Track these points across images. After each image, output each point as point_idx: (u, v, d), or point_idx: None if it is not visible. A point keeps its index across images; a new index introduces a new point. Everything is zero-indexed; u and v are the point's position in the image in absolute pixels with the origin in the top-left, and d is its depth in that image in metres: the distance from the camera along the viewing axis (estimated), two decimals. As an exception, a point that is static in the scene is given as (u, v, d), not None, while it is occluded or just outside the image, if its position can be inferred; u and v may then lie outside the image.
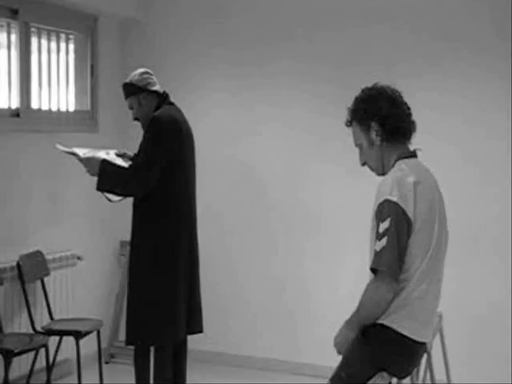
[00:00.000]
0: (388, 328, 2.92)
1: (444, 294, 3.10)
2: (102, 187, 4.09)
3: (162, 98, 4.21)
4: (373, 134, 3.05)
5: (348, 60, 5.27)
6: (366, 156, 3.11)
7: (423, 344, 3.04)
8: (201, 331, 4.32)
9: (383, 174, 3.07)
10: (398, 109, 3.05)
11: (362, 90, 3.13)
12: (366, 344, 2.96)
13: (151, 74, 4.25)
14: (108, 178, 4.06)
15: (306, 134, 5.46)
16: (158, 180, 4.02)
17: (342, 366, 3.00)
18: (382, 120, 3.02)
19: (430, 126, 4.62)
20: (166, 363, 4.14)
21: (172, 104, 4.26)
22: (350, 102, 3.12)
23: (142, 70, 4.25)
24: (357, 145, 3.13)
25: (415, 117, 3.10)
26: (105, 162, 4.08)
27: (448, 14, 5.02)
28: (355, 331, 2.98)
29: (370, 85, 3.12)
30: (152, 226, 4.10)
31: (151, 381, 4.22)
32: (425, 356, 3.38)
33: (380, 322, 2.93)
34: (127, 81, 4.21)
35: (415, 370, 3.34)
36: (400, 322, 2.92)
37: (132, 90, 4.18)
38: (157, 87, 4.22)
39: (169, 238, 4.09)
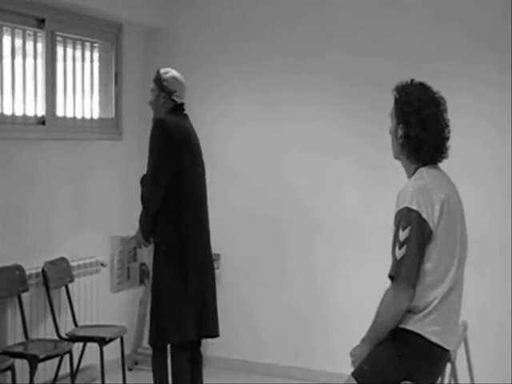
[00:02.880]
0: (415, 334, 2.92)
1: (469, 302, 3.09)
2: (147, 235, 4.25)
3: (177, 107, 4.28)
4: (399, 133, 3.03)
5: (378, 75, 5.24)
6: (392, 145, 3.09)
7: (448, 351, 3.03)
8: (216, 335, 4.33)
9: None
10: (429, 131, 2.98)
11: (414, 87, 3.04)
12: (394, 348, 2.95)
13: (182, 85, 4.29)
14: (142, 229, 4.26)
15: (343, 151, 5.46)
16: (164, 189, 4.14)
17: (367, 362, 2.99)
18: (408, 134, 3.00)
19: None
20: (182, 367, 4.18)
21: (185, 115, 4.32)
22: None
23: (179, 75, 4.31)
24: (390, 132, 3.11)
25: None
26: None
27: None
28: (371, 344, 2.98)
29: (425, 84, 3.06)
30: (165, 230, 4.18)
31: None
32: (449, 366, 3.36)
33: (408, 328, 2.92)
34: (163, 71, 4.29)
35: (439, 380, 3.31)
36: (428, 328, 2.91)
37: (158, 81, 4.26)
38: (178, 98, 4.26)
39: (177, 242, 4.16)
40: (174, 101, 4.25)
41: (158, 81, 4.26)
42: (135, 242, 4.33)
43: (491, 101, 4.99)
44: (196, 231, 4.22)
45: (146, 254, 4.27)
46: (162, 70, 4.30)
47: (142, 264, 4.31)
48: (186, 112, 4.33)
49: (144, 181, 4.21)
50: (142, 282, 4.32)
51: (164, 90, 4.24)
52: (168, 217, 4.15)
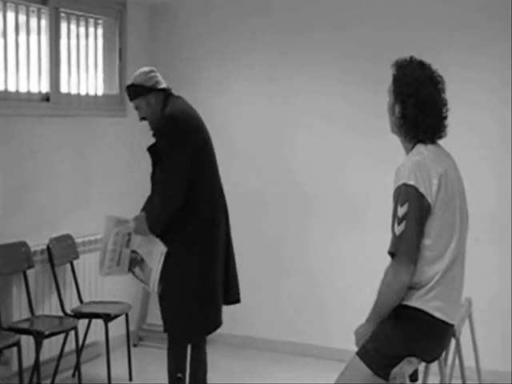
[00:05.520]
0: (418, 310, 2.93)
1: (473, 279, 3.09)
2: (156, 232, 3.94)
3: (167, 93, 4.04)
4: (396, 111, 3.02)
5: (384, 52, 5.18)
6: (390, 120, 3.08)
7: (452, 326, 3.04)
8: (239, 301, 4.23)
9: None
10: (427, 112, 2.97)
11: (413, 67, 3.01)
12: (397, 325, 2.96)
13: (156, 72, 4.05)
14: (154, 220, 3.94)
15: (345, 126, 5.43)
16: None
17: (371, 340, 3.00)
18: (405, 115, 2.99)
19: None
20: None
21: (179, 97, 4.09)
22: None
23: (146, 68, 4.04)
24: (388, 108, 3.09)
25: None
26: (144, 211, 4.02)
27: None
28: (375, 323, 2.99)
29: (424, 63, 3.02)
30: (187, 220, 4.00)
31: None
32: (453, 341, 3.37)
33: (410, 304, 2.93)
34: (133, 82, 3.99)
35: (443, 355, 3.32)
36: (431, 304, 2.92)
37: (140, 91, 3.96)
38: (164, 85, 4.02)
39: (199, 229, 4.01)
40: (160, 90, 3.99)
41: (139, 91, 3.96)
42: (134, 228, 4.00)
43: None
44: (218, 218, 4.06)
45: (140, 242, 4.01)
46: (132, 81, 4.01)
47: (133, 251, 4.10)
48: (177, 93, 4.13)
49: (155, 179, 4.01)
50: (129, 269, 4.12)
51: (150, 90, 3.95)
52: (187, 208, 3.96)
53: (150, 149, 4.02)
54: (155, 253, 3.95)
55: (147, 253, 4.00)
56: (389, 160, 4.96)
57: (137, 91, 3.98)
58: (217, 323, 4.09)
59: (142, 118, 4.08)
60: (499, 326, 4.97)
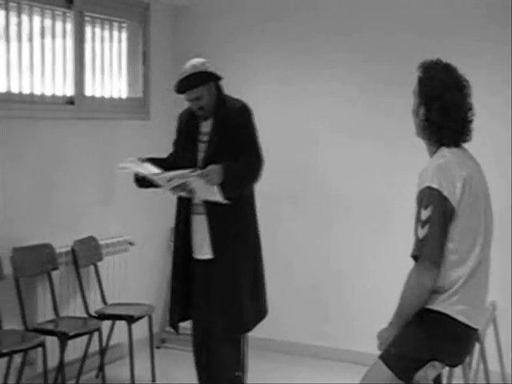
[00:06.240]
0: (442, 314, 2.91)
1: (498, 282, 3.07)
2: (229, 192, 3.85)
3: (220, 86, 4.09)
4: (420, 113, 3.01)
5: (403, 54, 5.20)
6: (414, 122, 3.07)
7: (476, 330, 3.02)
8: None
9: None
10: (451, 116, 2.96)
11: (439, 70, 3.00)
12: (421, 329, 2.94)
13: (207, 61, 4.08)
14: (234, 178, 3.89)
15: (368, 129, 5.41)
16: None
17: (394, 344, 2.99)
18: (429, 118, 2.98)
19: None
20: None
21: None
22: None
23: (199, 59, 4.02)
24: (412, 110, 3.08)
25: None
26: (223, 165, 3.86)
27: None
28: (398, 327, 2.98)
29: (450, 66, 3.01)
30: (252, 220, 4.13)
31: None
32: (477, 346, 3.35)
33: (434, 308, 2.92)
34: (197, 70, 3.94)
35: (467, 359, 3.31)
36: (454, 308, 2.91)
37: (209, 77, 3.96)
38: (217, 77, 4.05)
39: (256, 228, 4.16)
40: (219, 79, 4.03)
41: (208, 77, 3.94)
42: (205, 171, 3.82)
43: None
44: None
45: (199, 185, 3.83)
46: (197, 69, 3.94)
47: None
48: None
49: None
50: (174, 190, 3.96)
51: (216, 77, 3.98)
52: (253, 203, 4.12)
53: (212, 136, 4.00)
54: (211, 197, 3.89)
55: (200, 190, 3.90)
56: (412, 162, 4.96)
57: (205, 78, 3.95)
58: (266, 312, 4.19)
59: (200, 108, 4.01)
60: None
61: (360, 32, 5.38)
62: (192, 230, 4.05)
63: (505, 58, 4.90)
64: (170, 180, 3.88)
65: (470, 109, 3.01)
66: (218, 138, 3.99)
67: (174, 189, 3.92)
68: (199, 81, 3.94)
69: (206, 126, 4.04)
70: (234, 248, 4.00)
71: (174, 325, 4.16)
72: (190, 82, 3.94)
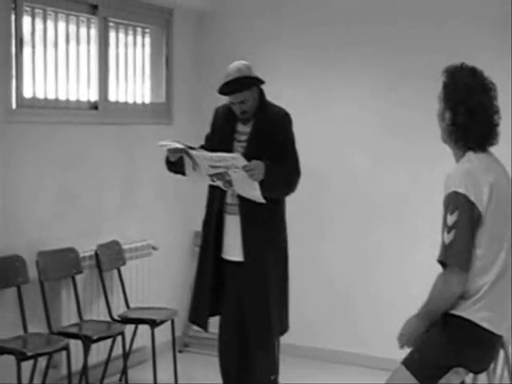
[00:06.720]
0: (466, 320, 2.90)
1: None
2: (268, 191, 3.85)
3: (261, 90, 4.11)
4: (446, 118, 3.00)
5: (429, 49, 5.19)
6: (440, 128, 3.05)
7: (500, 337, 3.00)
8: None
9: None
10: (477, 119, 2.94)
11: (464, 74, 2.98)
12: (445, 335, 2.93)
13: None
14: (275, 179, 3.88)
15: (389, 128, 5.41)
16: None
17: (417, 349, 2.98)
18: (455, 122, 2.96)
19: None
20: None
21: None
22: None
23: (243, 62, 4.01)
24: (437, 115, 3.07)
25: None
26: (266, 163, 3.84)
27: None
28: (425, 323, 2.96)
29: (476, 69, 2.99)
30: (283, 226, 4.12)
31: None
32: (502, 352, 3.33)
33: (458, 313, 2.90)
34: (243, 75, 3.93)
35: (492, 366, 3.29)
36: (479, 314, 2.89)
37: (254, 82, 3.98)
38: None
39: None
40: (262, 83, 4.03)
41: (253, 82, 3.97)
42: (250, 164, 3.78)
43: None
44: None
45: (239, 177, 3.78)
46: (241, 74, 3.93)
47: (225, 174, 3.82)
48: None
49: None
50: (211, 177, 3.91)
51: (261, 82, 4.00)
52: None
53: (252, 137, 4.00)
54: (250, 192, 3.85)
55: (239, 184, 3.86)
56: (431, 165, 4.98)
57: (249, 83, 3.96)
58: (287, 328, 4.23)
59: (243, 112, 3.99)
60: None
61: (382, 42, 5.39)
62: (224, 229, 4.04)
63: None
64: (212, 166, 3.82)
65: (497, 112, 2.99)
66: (257, 140, 3.99)
67: (212, 176, 3.89)
68: (245, 85, 3.94)
69: (243, 126, 4.05)
70: (264, 253, 3.99)
71: (201, 322, 4.14)
72: (236, 86, 3.92)
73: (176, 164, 3.97)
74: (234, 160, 3.79)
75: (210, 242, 4.07)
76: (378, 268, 5.46)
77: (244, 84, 3.94)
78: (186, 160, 3.92)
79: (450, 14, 5.15)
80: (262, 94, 4.06)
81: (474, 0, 5.09)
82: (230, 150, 3.97)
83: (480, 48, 4.88)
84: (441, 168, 3.20)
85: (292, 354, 5.47)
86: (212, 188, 4.05)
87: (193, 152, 3.87)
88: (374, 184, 5.45)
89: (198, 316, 4.16)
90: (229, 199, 4.00)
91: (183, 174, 4.02)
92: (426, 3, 5.25)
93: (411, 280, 5.18)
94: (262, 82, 4.02)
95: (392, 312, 5.25)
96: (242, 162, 3.77)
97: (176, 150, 3.89)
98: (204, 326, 4.13)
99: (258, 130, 4.00)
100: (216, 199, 4.04)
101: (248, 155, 3.86)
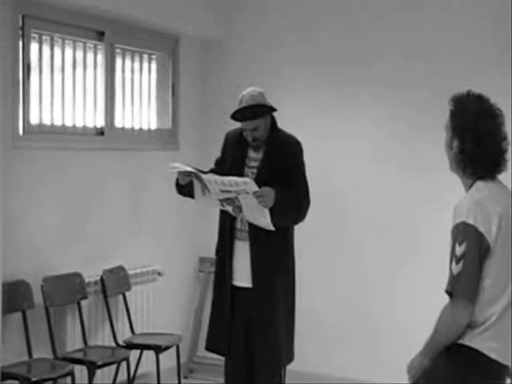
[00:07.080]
0: (473, 350, 2.87)
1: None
2: (277, 218, 3.85)
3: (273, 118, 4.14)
4: (454, 146, 2.99)
5: (439, 63, 5.23)
6: (448, 157, 3.05)
7: (507, 367, 2.98)
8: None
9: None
10: (485, 146, 2.91)
11: (471, 101, 2.96)
12: (451, 364, 2.91)
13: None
14: (285, 206, 3.88)
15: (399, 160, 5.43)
16: None
17: (424, 377, 2.95)
18: (463, 150, 2.96)
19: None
20: None
21: None
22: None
23: (257, 89, 4.04)
24: (445, 144, 3.03)
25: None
26: (277, 190, 3.85)
27: None
28: (429, 357, 2.94)
29: (482, 96, 2.97)
30: (291, 250, 4.13)
31: None
32: (509, 381, 3.30)
33: (465, 343, 2.88)
34: (256, 102, 3.96)
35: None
36: (486, 344, 2.86)
37: (267, 110, 4.01)
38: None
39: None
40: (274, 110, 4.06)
41: (266, 110, 3.99)
42: (262, 190, 3.78)
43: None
44: None
45: (250, 203, 3.77)
46: (255, 102, 3.95)
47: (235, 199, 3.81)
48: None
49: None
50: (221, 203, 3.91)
51: (273, 109, 4.01)
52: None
53: (263, 164, 4.02)
54: (259, 219, 3.84)
55: (249, 210, 3.84)
56: (443, 194, 4.96)
57: (262, 111, 3.98)
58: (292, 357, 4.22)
59: (254, 140, 4.01)
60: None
61: (389, 62, 5.41)
62: (234, 255, 4.04)
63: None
64: (222, 190, 3.82)
65: (505, 138, 2.96)
66: (268, 167, 4.00)
67: (222, 200, 3.89)
68: (258, 113, 3.96)
69: (255, 153, 4.07)
70: (273, 279, 3.99)
71: (222, 349, 4.10)
72: (250, 114, 3.95)
73: (186, 187, 3.99)
74: (245, 185, 3.79)
75: (221, 269, 4.08)
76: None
77: (257, 112, 3.96)
78: (196, 184, 3.94)
79: (472, 49, 5.17)
80: (274, 121, 4.09)
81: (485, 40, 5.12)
82: (240, 176, 3.96)
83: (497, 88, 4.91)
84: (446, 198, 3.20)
85: (305, 380, 5.43)
86: (223, 214, 4.07)
87: (203, 176, 3.88)
88: (390, 214, 5.43)
89: (217, 344, 4.11)
90: (238, 225, 4.01)
91: (193, 197, 4.03)
92: (447, 39, 5.26)
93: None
94: (275, 110, 4.04)
95: (400, 340, 5.23)
96: (254, 187, 3.77)
97: (186, 173, 3.91)
98: (225, 353, 4.11)
99: (269, 157, 4.02)
100: (226, 225, 4.05)
101: (259, 182, 3.85)
